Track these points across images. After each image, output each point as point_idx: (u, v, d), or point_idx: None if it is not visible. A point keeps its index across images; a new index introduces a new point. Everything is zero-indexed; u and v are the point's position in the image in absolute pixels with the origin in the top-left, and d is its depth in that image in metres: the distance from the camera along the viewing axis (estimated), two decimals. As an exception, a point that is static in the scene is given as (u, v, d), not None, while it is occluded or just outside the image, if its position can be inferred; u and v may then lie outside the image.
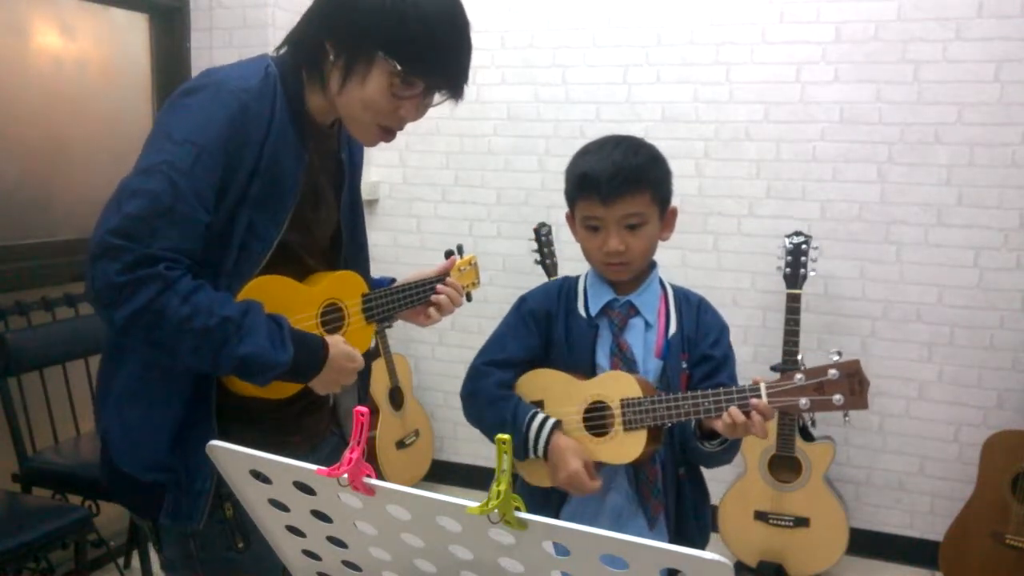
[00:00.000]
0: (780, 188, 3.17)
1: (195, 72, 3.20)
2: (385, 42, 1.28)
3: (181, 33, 3.20)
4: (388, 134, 1.39)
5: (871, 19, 2.99)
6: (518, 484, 1.66)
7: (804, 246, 2.85)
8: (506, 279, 3.56)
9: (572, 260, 3.26)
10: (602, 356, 1.60)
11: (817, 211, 3.13)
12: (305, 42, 1.35)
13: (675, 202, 1.64)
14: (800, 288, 2.85)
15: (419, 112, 1.37)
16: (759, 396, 1.41)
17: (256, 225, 1.29)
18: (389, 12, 1.26)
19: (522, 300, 1.70)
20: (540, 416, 1.55)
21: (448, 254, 1.76)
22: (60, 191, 2.94)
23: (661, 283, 1.66)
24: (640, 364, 1.58)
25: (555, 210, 3.42)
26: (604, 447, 1.53)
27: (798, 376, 1.40)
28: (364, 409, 0.84)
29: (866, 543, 3.16)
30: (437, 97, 1.37)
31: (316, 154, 1.40)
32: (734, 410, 1.40)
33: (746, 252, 3.23)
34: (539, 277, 3.22)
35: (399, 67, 1.28)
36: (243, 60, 1.36)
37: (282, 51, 1.38)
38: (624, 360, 1.57)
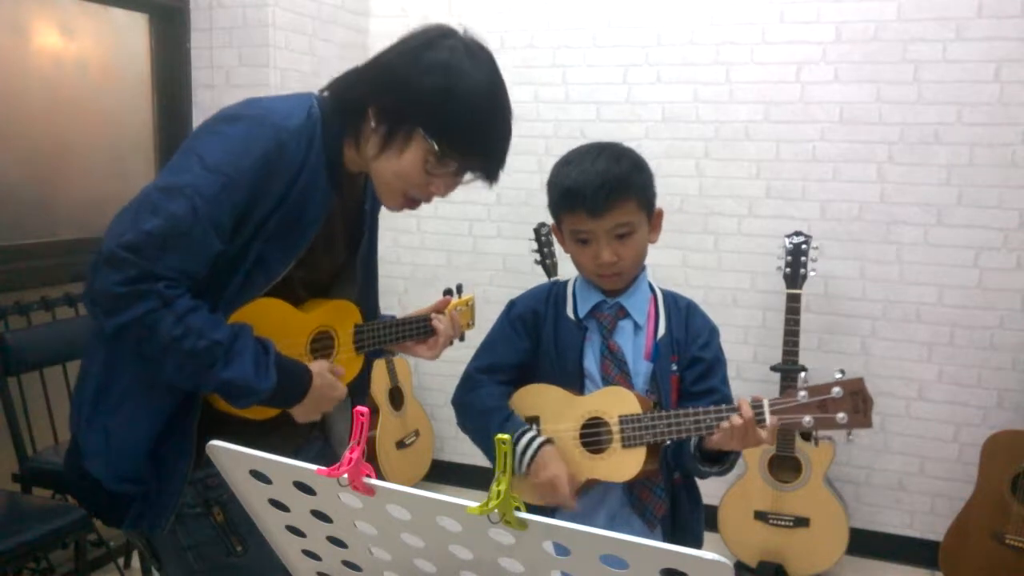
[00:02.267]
0: (780, 188, 3.17)
1: (195, 72, 3.23)
2: (427, 121, 1.28)
3: (181, 33, 3.20)
4: (413, 203, 1.40)
5: (871, 19, 2.99)
6: None
7: (804, 246, 2.85)
8: (506, 279, 3.56)
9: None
10: (590, 359, 1.58)
11: (817, 211, 3.13)
12: (349, 99, 1.35)
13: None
14: (800, 288, 2.85)
15: (448, 189, 1.37)
16: (763, 416, 1.39)
17: (266, 258, 1.29)
18: (437, 94, 1.27)
19: (511, 305, 1.69)
20: (530, 433, 1.53)
21: (447, 292, 1.77)
22: (60, 191, 2.94)
23: (650, 286, 1.64)
24: (630, 366, 1.56)
25: (555, 210, 3.41)
26: (601, 464, 1.51)
27: (801, 393, 1.38)
28: (364, 409, 0.84)
29: (866, 543, 3.16)
30: (468, 176, 1.37)
31: (340, 199, 1.40)
32: (734, 418, 1.38)
33: (746, 252, 3.23)
34: (539, 277, 3.21)
35: (437, 147, 1.29)
36: (289, 95, 1.36)
37: (325, 93, 1.38)
38: (615, 362, 1.56)
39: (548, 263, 3.18)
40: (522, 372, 1.64)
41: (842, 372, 1.40)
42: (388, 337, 1.58)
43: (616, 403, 1.51)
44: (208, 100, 3.23)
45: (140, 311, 1.16)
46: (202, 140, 1.27)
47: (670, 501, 1.59)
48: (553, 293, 1.66)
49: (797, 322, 2.83)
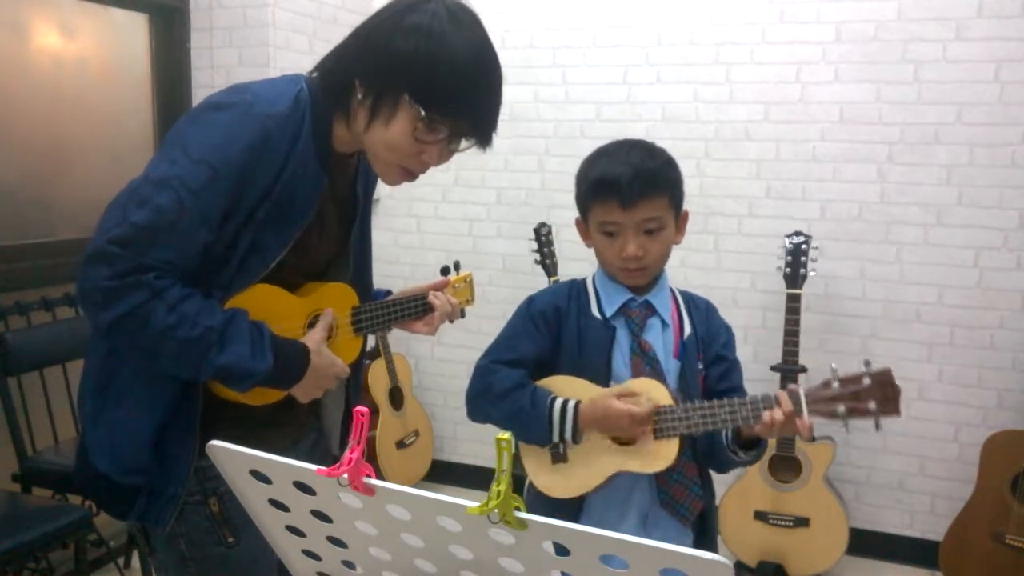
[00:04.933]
0: (780, 188, 3.17)
1: (195, 72, 3.22)
2: (412, 87, 1.27)
3: (181, 33, 3.20)
4: (410, 175, 1.38)
5: (871, 19, 2.99)
6: (529, 498, 1.62)
7: (804, 246, 2.85)
8: (506, 279, 3.56)
9: (572, 260, 3.26)
10: (619, 359, 1.56)
11: (817, 211, 3.13)
12: (335, 75, 1.34)
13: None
14: (800, 288, 2.85)
15: (443, 158, 1.35)
16: (801, 410, 1.39)
17: (259, 245, 1.29)
18: (421, 58, 1.25)
19: (530, 301, 1.67)
20: (560, 399, 1.52)
21: (444, 271, 1.76)
22: (60, 191, 2.94)
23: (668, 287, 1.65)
24: (662, 364, 1.55)
25: (555, 210, 3.42)
26: (633, 456, 1.49)
27: (834, 384, 1.40)
28: (364, 409, 0.84)
29: (866, 543, 3.16)
30: (463, 143, 1.35)
31: (332, 182, 1.39)
32: (776, 412, 1.39)
33: (746, 252, 3.23)
34: (539, 277, 3.22)
35: (423, 113, 1.27)
36: (277, 78, 1.35)
37: (314, 75, 1.37)
38: (647, 359, 1.54)
39: (548, 263, 3.18)
40: (539, 368, 1.63)
41: (867, 363, 1.41)
42: (386, 318, 1.57)
43: (647, 395, 1.50)
44: (208, 100, 3.22)
45: (132, 304, 1.16)
46: (188, 129, 1.26)
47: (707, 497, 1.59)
48: (574, 291, 1.65)
49: (797, 322, 2.83)
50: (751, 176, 3.19)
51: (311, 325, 1.42)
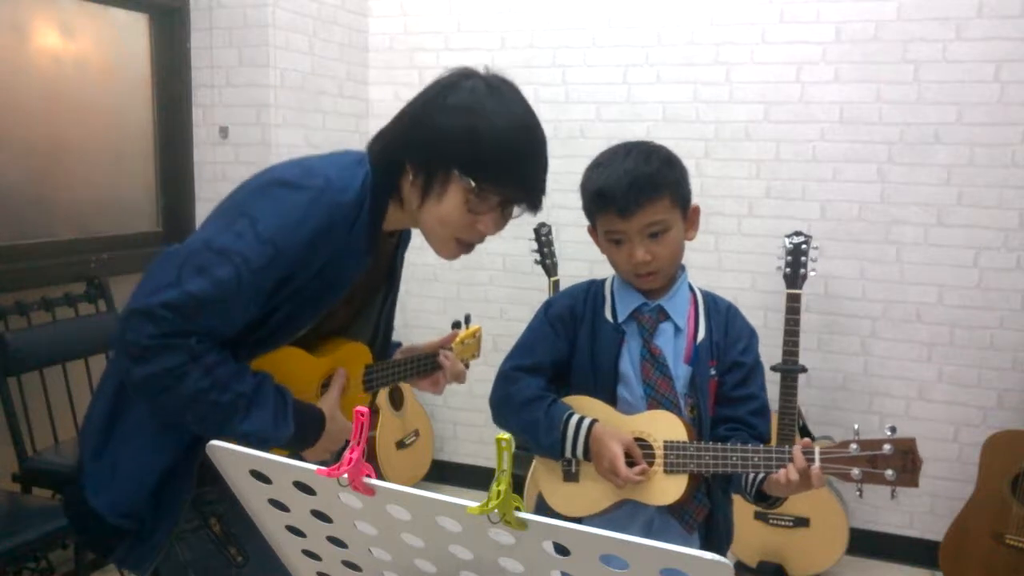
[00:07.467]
0: (780, 188, 3.17)
1: (195, 72, 3.23)
2: (460, 161, 1.29)
3: (181, 33, 3.20)
4: (467, 247, 1.40)
5: (871, 19, 2.99)
6: (538, 502, 1.63)
7: (804, 246, 2.85)
8: (506, 279, 3.56)
9: (572, 260, 3.26)
10: (626, 362, 1.56)
11: (817, 211, 3.13)
12: (385, 158, 1.35)
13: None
14: (800, 288, 2.84)
15: (498, 226, 1.38)
16: (812, 460, 1.40)
17: (295, 317, 1.31)
18: (464, 131, 1.28)
19: (548, 304, 1.68)
20: (577, 415, 1.53)
21: (455, 325, 1.79)
22: (60, 191, 2.94)
23: (691, 287, 1.63)
24: (671, 369, 1.55)
25: (555, 210, 3.41)
26: (641, 486, 1.50)
27: (853, 446, 1.40)
28: (364, 409, 0.83)
29: (866, 543, 3.16)
30: (516, 209, 1.38)
31: (373, 260, 1.41)
32: (791, 471, 1.41)
33: (746, 252, 3.23)
34: (539, 277, 3.22)
35: (473, 184, 1.29)
36: (344, 156, 1.35)
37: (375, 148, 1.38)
38: (656, 365, 1.54)
39: (548, 263, 3.18)
40: (557, 370, 1.64)
41: (892, 429, 1.40)
42: (396, 376, 1.61)
43: (662, 427, 1.50)
44: (208, 100, 3.23)
45: (169, 363, 1.18)
46: (258, 202, 1.27)
47: (711, 504, 1.59)
48: (591, 293, 1.65)
49: (797, 322, 2.82)
50: (751, 176, 3.19)
51: (326, 385, 1.44)
